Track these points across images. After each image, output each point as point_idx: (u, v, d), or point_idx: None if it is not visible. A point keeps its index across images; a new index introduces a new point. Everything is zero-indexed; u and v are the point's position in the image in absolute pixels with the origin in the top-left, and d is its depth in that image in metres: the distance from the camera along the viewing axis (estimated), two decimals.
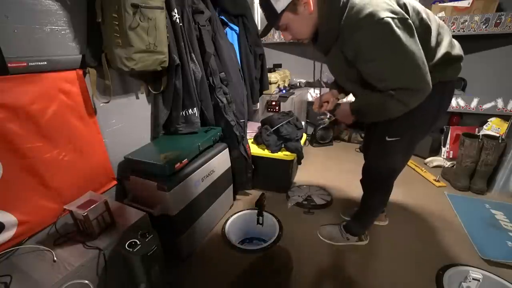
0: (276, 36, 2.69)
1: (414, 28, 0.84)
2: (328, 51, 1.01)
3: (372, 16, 0.80)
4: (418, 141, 1.14)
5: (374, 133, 1.18)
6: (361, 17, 0.81)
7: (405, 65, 0.84)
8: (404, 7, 0.87)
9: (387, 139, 1.09)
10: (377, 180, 1.26)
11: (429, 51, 0.93)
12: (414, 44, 0.83)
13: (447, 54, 0.95)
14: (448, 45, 0.96)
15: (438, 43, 0.95)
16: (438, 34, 0.95)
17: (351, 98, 1.21)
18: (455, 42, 1.01)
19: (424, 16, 0.92)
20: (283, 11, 0.90)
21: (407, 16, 0.83)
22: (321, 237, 1.51)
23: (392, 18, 0.80)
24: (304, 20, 0.94)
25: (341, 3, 0.85)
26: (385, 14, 0.79)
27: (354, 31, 0.85)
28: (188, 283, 1.27)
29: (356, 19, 0.83)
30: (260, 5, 0.96)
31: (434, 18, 0.97)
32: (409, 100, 0.90)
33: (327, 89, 1.33)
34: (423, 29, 0.90)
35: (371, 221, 1.43)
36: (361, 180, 1.35)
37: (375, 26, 0.81)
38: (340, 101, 1.27)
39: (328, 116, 1.29)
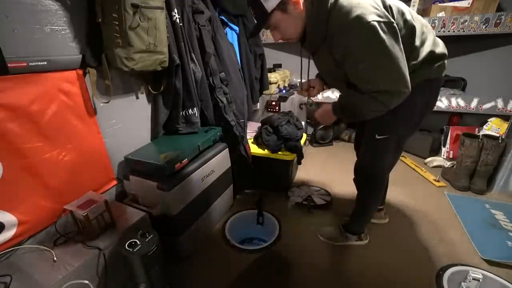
0: None
1: (398, 32, 0.86)
2: (315, 51, 1.03)
3: (359, 19, 0.81)
4: (407, 138, 1.17)
5: (364, 132, 1.20)
6: (349, 19, 0.82)
7: (388, 68, 0.85)
8: (389, 9, 0.88)
9: (377, 137, 1.11)
10: (369, 178, 1.27)
11: (414, 50, 0.95)
12: (397, 49, 0.85)
13: (431, 53, 0.97)
14: (432, 44, 0.98)
15: (423, 42, 0.97)
16: (422, 33, 0.97)
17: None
18: (439, 40, 1.03)
19: (409, 17, 0.93)
20: (273, 10, 0.91)
21: (393, 20, 0.85)
22: (320, 237, 1.51)
23: (378, 21, 0.81)
24: (293, 20, 0.95)
25: (329, 4, 0.86)
26: (371, 18, 0.80)
27: (341, 33, 0.86)
28: (188, 283, 1.27)
29: (343, 21, 0.84)
30: (249, 4, 0.96)
31: (418, 18, 0.99)
32: (389, 101, 0.91)
33: None
34: (407, 30, 0.92)
35: (368, 219, 1.43)
36: (354, 179, 1.36)
37: (361, 29, 0.82)
38: (324, 91, 1.27)
39: (310, 102, 1.29)
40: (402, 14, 0.92)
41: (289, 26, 0.97)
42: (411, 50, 0.93)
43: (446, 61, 1.03)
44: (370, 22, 0.80)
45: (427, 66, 0.98)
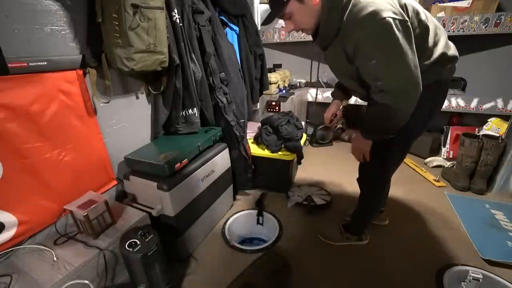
0: (276, 36, 2.69)
1: (412, 31, 0.85)
2: (327, 46, 1.03)
3: (374, 14, 0.80)
4: (413, 140, 1.16)
5: None
6: (363, 14, 0.82)
7: (399, 66, 0.85)
8: (405, 7, 0.88)
9: None
10: (373, 178, 1.26)
11: (426, 51, 0.94)
12: (409, 47, 0.84)
13: (443, 55, 0.97)
14: (444, 45, 0.98)
15: (435, 44, 0.97)
16: (435, 34, 0.97)
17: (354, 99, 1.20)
18: (450, 43, 1.03)
19: (423, 17, 0.93)
20: None
21: (407, 19, 0.84)
22: (321, 237, 1.51)
23: (393, 19, 0.80)
24: (308, 11, 0.94)
25: None
26: (387, 14, 0.80)
27: (355, 28, 0.86)
28: (188, 283, 1.27)
29: (358, 16, 0.83)
30: None
31: (432, 19, 0.98)
32: (404, 104, 0.90)
33: (329, 93, 1.34)
34: (421, 30, 0.92)
35: (369, 220, 1.43)
36: (357, 179, 1.36)
37: (376, 25, 0.81)
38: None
39: (340, 123, 1.30)
40: (417, 13, 0.92)
41: (303, 17, 0.97)
42: (423, 50, 0.92)
43: (456, 64, 1.03)
44: (385, 18, 0.79)
45: (439, 67, 0.98)
